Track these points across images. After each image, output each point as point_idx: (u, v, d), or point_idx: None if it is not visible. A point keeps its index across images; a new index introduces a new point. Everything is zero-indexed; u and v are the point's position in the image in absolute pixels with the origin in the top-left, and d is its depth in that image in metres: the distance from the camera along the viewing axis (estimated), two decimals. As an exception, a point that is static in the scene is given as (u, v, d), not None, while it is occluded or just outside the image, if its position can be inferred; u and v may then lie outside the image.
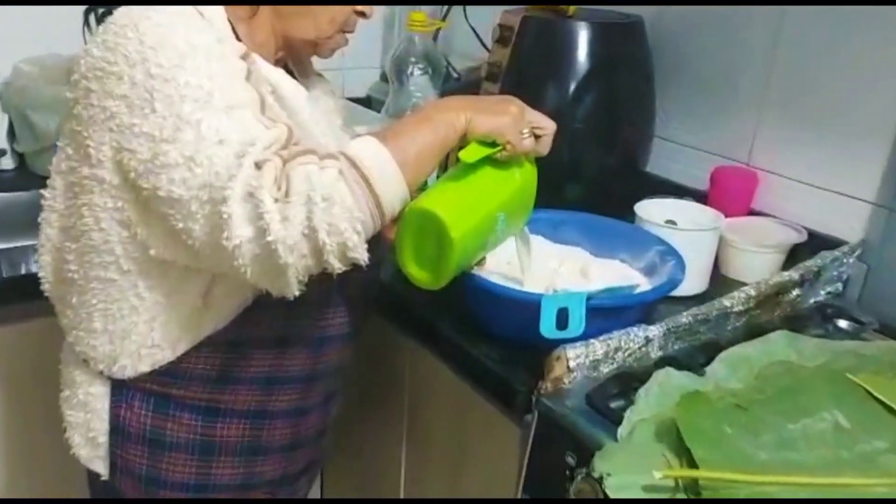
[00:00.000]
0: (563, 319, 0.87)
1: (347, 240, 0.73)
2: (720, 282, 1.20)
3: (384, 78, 1.90)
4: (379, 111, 1.74)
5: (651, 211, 1.16)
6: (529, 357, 0.95)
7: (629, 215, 1.18)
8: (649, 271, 1.08)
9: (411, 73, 1.64)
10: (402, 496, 1.28)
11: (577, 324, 0.87)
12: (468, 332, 1.03)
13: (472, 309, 1.04)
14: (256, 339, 0.92)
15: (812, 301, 1.15)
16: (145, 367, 0.89)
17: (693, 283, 1.10)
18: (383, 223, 0.79)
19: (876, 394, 0.82)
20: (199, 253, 0.77)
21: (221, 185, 0.72)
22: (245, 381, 0.94)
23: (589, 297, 0.90)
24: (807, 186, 1.25)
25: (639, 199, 1.32)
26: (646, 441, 0.78)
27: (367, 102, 1.93)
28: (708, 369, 0.91)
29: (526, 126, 0.89)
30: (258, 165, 0.72)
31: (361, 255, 0.75)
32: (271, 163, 0.72)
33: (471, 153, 0.85)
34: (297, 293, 0.75)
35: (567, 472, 0.86)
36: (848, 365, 0.90)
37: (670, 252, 1.06)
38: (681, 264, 1.02)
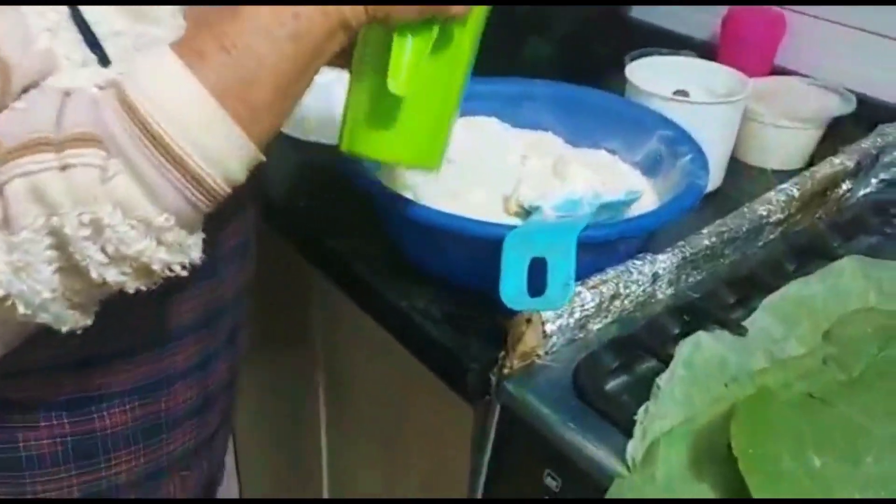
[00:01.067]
0: (538, 277, 0.55)
1: (148, 263, 0.44)
2: (736, 170, 0.88)
3: None
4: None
5: (648, 75, 0.82)
6: (487, 314, 0.64)
7: (616, 82, 0.84)
8: (651, 168, 0.76)
9: None
10: (325, 479, 1.00)
11: (560, 287, 0.54)
12: (397, 273, 0.70)
13: (399, 243, 0.71)
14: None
15: (862, 194, 0.84)
16: None
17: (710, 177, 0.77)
18: (215, 202, 0.45)
19: None
20: None
21: None
22: (123, 350, 0.63)
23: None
24: (852, 31, 0.91)
25: (621, 58, 0.97)
26: (679, 476, 0.48)
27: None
28: (750, 323, 0.61)
29: None
30: None
31: (183, 259, 0.45)
32: None
33: (401, 69, 0.49)
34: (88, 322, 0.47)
35: (546, 498, 0.57)
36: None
37: (682, 139, 0.73)
38: (700, 160, 0.70)
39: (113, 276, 0.43)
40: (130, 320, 0.63)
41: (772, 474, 0.44)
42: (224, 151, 0.43)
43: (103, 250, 0.42)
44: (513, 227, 0.60)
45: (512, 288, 0.55)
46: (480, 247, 0.60)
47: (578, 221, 0.60)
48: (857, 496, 0.44)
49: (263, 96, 0.45)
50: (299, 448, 1.05)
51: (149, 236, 0.42)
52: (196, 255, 0.46)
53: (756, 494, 0.43)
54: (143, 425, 0.67)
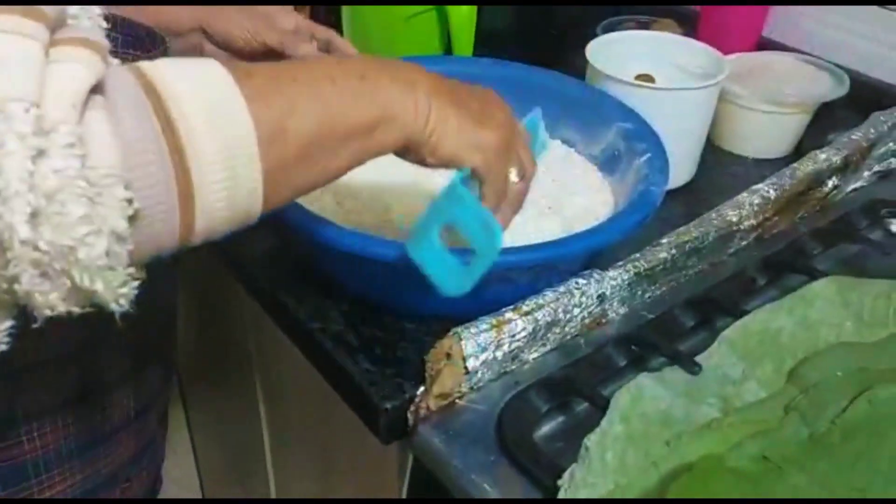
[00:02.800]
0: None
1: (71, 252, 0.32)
2: (712, 158, 0.79)
3: None
4: None
5: (610, 55, 0.72)
6: (409, 340, 0.57)
7: (575, 60, 0.74)
8: (608, 165, 0.67)
9: None
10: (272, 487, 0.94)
11: (482, 233, 0.45)
12: (313, 287, 0.62)
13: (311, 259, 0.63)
14: (43, 356, 0.55)
15: (850, 189, 0.75)
16: None
17: (677, 171, 0.68)
18: (186, 244, 0.36)
19: None
20: None
21: None
22: (49, 363, 0.56)
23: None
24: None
25: (592, 22, 0.88)
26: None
27: None
28: (705, 358, 0.53)
29: (515, 160, 0.48)
30: None
31: (114, 298, 0.33)
32: None
33: None
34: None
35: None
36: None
37: (641, 133, 0.64)
38: (660, 160, 0.61)
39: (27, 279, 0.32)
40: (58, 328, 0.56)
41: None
42: (234, 181, 0.35)
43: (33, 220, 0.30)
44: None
45: (444, 276, 0.47)
46: (393, 267, 0.52)
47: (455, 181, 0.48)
48: None
49: (296, 143, 0.38)
50: (249, 458, 0.99)
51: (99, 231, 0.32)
52: (122, 304, 0.34)
53: None
54: (80, 440, 0.60)
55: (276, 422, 0.87)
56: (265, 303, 0.65)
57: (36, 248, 0.30)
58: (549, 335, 0.56)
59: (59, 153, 0.30)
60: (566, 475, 0.45)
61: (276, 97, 0.37)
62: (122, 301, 0.33)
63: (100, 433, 0.62)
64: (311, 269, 0.62)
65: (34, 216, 0.30)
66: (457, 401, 0.53)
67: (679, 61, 0.76)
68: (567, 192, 0.66)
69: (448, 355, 0.52)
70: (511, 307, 0.54)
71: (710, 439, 0.46)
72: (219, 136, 0.34)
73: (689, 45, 0.76)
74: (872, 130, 0.72)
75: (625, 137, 0.65)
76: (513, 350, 0.54)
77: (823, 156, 0.69)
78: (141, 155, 0.32)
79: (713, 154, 0.80)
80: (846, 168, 0.71)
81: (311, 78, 0.40)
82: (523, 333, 0.54)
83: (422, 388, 0.54)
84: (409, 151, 0.45)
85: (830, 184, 0.71)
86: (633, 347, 0.56)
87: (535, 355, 0.56)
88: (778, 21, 0.86)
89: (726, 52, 0.75)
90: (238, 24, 0.66)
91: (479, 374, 0.53)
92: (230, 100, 0.35)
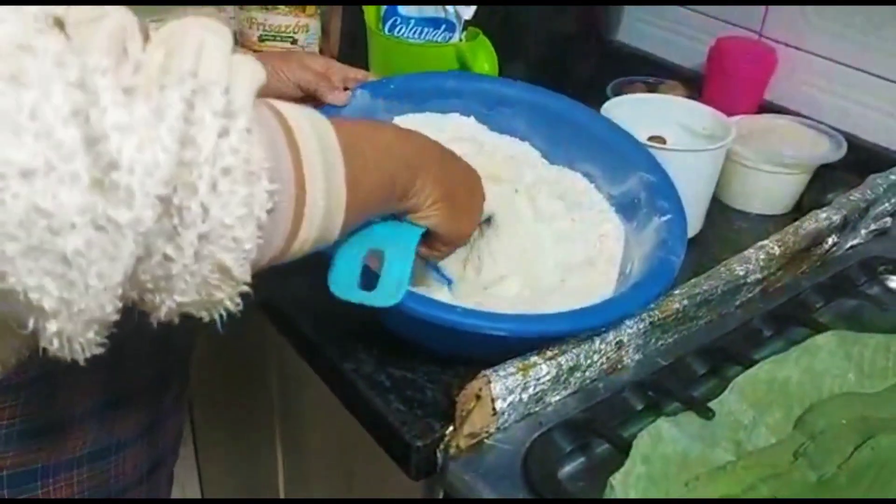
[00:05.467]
0: (370, 273, 0.50)
1: (236, 246, 0.36)
2: (717, 213, 0.84)
3: None
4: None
5: (622, 115, 0.76)
6: (439, 382, 0.60)
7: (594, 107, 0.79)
8: (627, 210, 0.69)
9: None
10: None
11: (393, 284, 0.49)
12: (346, 329, 0.65)
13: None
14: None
15: (849, 246, 0.80)
16: None
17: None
18: (277, 260, 0.41)
19: None
20: None
21: None
22: (75, 419, 0.59)
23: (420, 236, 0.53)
24: (846, 69, 0.86)
25: (603, 83, 0.93)
26: None
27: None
28: (719, 405, 0.56)
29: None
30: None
31: (232, 301, 0.38)
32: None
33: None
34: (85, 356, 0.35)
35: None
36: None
37: (664, 191, 0.67)
38: (680, 225, 0.64)
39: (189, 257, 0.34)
40: (83, 382, 0.58)
41: None
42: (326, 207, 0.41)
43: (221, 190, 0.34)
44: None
45: (341, 276, 0.49)
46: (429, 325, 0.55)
47: (419, 227, 0.53)
48: None
49: (363, 193, 0.44)
50: (260, 491, 1.01)
51: (243, 219, 0.35)
52: (233, 307, 0.38)
53: None
54: (93, 492, 0.62)
55: (291, 457, 0.89)
56: (297, 343, 0.68)
57: (204, 220, 0.33)
58: (570, 379, 0.59)
59: (238, 136, 0.34)
60: (592, 514, 0.48)
61: (358, 156, 0.42)
62: (230, 306, 0.37)
63: (112, 488, 0.64)
64: (342, 311, 0.66)
65: (212, 188, 0.33)
66: (485, 440, 0.56)
67: (686, 122, 0.81)
68: (583, 227, 0.70)
69: (478, 397, 0.55)
70: (536, 352, 0.58)
71: (725, 481, 0.50)
72: (323, 170, 0.39)
73: (696, 107, 0.81)
74: (869, 192, 0.77)
75: (647, 189, 0.68)
76: (537, 392, 0.57)
77: (824, 215, 0.74)
78: (274, 160, 0.37)
79: (719, 209, 0.84)
80: (845, 227, 0.76)
81: (379, 144, 0.45)
82: (547, 377, 0.57)
83: (451, 428, 0.57)
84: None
85: (830, 241, 0.76)
86: (649, 393, 0.60)
87: (557, 398, 0.59)
88: (780, 86, 0.92)
89: (730, 115, 0.80)
90: (273, 64, 0.70)
91: (506, 415, 0.56)
92: (335, 148, 0.41)
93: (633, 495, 0.48)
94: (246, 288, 0.37)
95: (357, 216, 0.45)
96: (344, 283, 0.49)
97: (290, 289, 0.69)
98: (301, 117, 0.40)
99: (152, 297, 0.36)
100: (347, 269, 0.49)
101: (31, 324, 0.32)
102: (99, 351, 0.35)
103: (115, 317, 0.34)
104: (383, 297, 0.49)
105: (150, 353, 0.63)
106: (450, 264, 0.65)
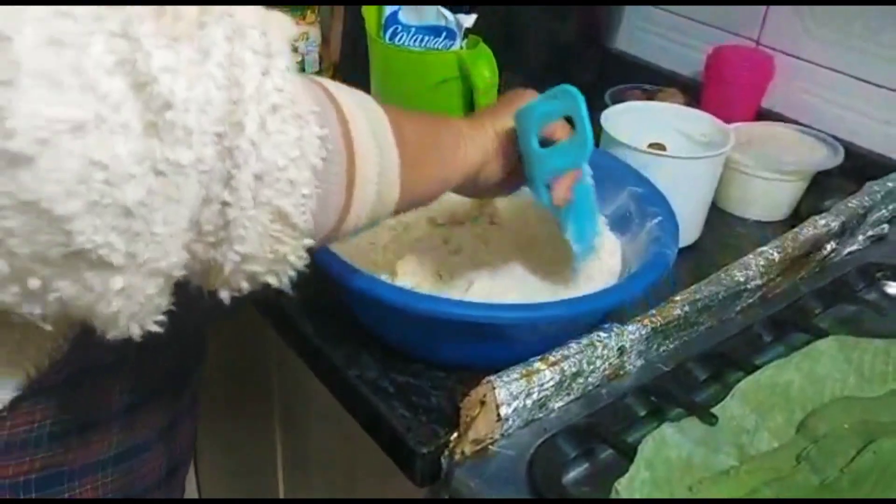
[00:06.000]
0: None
1: (292, 190, 0.36)
2: (716, 220, 0.84)
3: None
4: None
5: (622, 123, 0.77)
6: (442, 388, 0.60)
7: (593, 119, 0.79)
8: (621, 223, 0.71)
9: None
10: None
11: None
12: (349, 336, 0.65)
13: (352, 309, 0.67)
14: (107, 359, 0.56)
15: (847, 252, 0.80)
16: None
17: (686, 232, 0.73)
18: (334, 233, 0.42)
19: None
20: None
21: None
22: (98, 421, 0.58)
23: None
24: (842, 77, 0.87)
25: (602, 89, 0.93)
26: None
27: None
28: (721, 410, 0.57)
29: None
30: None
31: (297, 256, 0.38)
32: None
33: None
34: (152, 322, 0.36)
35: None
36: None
37: (652, 197, 0.68)
38: (671, 224, 0.65)
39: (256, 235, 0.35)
40: (109, 383, 0.58)
41: None
42: (381, 194, 0.43)
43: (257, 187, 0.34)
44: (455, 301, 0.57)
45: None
46: (434, 323, 0.56)
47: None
48: None
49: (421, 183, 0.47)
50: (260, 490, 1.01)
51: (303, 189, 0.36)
52: (285, 283, 0.39)
53: None
54: (116, 494, 0.62)
55: (292, 463, 0.90)
56: (300, 348, 0.68)
57: (257, 159, 0.34)
58: (573, 385, 0.60)
59: (280, 75, 0.34)
60: (598, 518, 0.48)
61: (418, 168, 0.46)
62: (296, 262, 0.38)
63: (135, 488, 0.64)
64: (345, 317, 0.66)
65: (261, 126, 0.33)
66: (489, 446, 0.56)
67: (685, 130, 0.81)
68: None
69: (482, 403, 0.55)
70: (538, 358, 0.58)
71: (728, 485, 0.50)
72: (370, 129, 0.41)
73: (695, 115, 0.81)
74: (867, 198, 0.77)
75: (636, 200, 0.69)
76: (541, 399, 0.58)
77: (823, 221, 0.74)
78: (320, 107, 0.37)
79: (718, 216, 0.85)
80: (843, 233, 0.76)
81: (444, 145, 0.51)
82: (551, 383, 0.58)
83: (455, 434, 0.57)
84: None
85: (829, 247, 0.76)
86: (651, 398, 0.60)
87: (560, 403, 0.60)
88: (777, 94, 0.92)
89: (728, 122, 0.80)
90: None
91: (511, 422, 0.57)
92: (390, 148, 0.43)
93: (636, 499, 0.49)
94: (311, 242, 0.38)
95: (418, 187, 0.47)
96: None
97: (292, 296, 0.69)
98: (347, 94, 0.41)
99: (215, 254, 0.36)
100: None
101: (97, 288, 0.33)
102: (155, 329, 0.35)
103: (180, 272, 0.35)
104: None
105: (170, 353, 0.63)
106: (456, 278, 0.66)
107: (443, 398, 0.60)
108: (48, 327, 0.35)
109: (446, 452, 0.57)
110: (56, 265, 0.32)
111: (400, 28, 0.84)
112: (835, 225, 0.75)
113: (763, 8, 0.91)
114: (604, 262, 0.69)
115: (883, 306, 0.74)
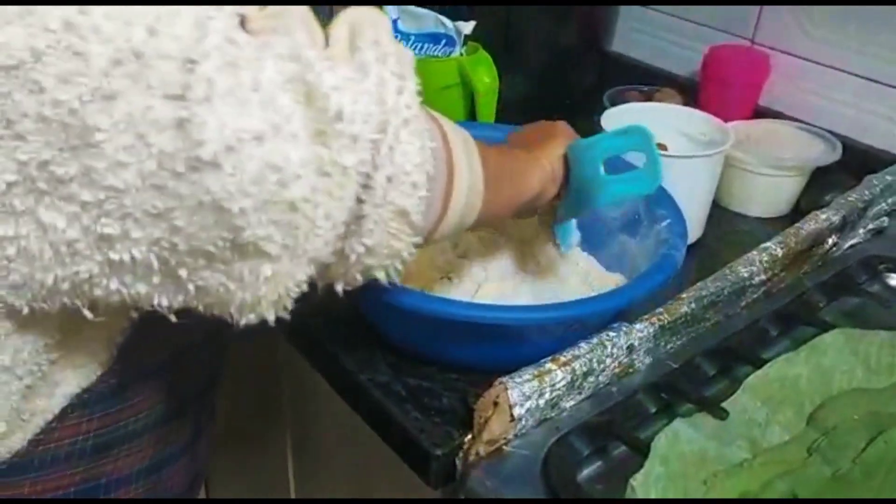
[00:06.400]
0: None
1: (413, 192, 0.42)
2: (718, 217, 0.85)
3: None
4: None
5: (624, 121, 0.77)
6: (454, 390, 0.60)
7: (586, 126, 0.80)
8: (631, 227, 0.72)
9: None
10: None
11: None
12: (361, 340, 0.66)
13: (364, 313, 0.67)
14: (149, 367, 0.58)
15: (848, 245, 0.81)
16: None
17: (689, 229, 0.73)
18: (432, 227, 0.48)
19: None
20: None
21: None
22: (136, 432, 0.60)
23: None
24: (838, 74, 0.88)
25: (600, 91, 0.94)
26: None
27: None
28: (731, 405, 0.57)
29: None
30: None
31: (407, 250, 0.45)
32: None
33: None
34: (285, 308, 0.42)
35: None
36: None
37: (661, 200, 0.69)
38: (679, 226, 0.66)
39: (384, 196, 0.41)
40: (148, 394, 0.59)
41: None
42: (468, 204, 0.49)
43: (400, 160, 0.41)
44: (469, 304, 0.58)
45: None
46: (447, 325, 0.56)
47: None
48: None
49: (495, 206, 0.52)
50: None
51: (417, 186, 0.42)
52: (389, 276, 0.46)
53: None
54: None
55: (303, 468, 0.90)
56: (312, 354, 0.69)
57: (392, 162, 0.40)
58: (584, 384, 0.60)
59: (410, 95, 0.41)
60: (615, 515, 0.49)
61: (495, 190, 0.51)
62: (406, 257, 0.44)
63: (161, 497, 0.65)
64: (357, 323, 0.67)
65: (396, 136, 0.40)
66: (503, 447, 0.57)
67: (684, 129, 0.82)
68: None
69: (495, 404, 0.56)
70: (549, 358, 0.59)
71: (743, 478, 0.51)
72: (465, 151, 0.48)
73: (694, 114, 0.82)
74: (867, 192, 0.78)
75: (645, 203, 0.70)
76: (553, 398, 0.58)
77: (824, 216, 0.75)
78: (430, 124, 0.44)
79: (719, 213, 0.85)
80: (844, 227, 0.77)
81: (515, 171, 0.57)
82: (563, 382, 0.58)
83: (469, 436, 0.58)
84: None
85: (830, 241, 0.77)
86: (662, 395, 0.61)
87: (572, 402, 0.60)
88: (774, 91, 0.94)
89: (726, 120, 0.81)
90: None
91: (524, 422, 0.57)
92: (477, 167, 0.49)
93: (653, 495, 0.49)
94: (420, 240, 0.44)
95: (493, 207, 0.52)
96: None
97: (302, 298, 0.70)
98: (455, 133, 0.49)
99: (343, 245, 0.42)
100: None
101: (246, 277, 0.38)
102: (284, 315, 0.41)
103: (331, 259, 0.42)
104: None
105: (201, 363, 0.64)
106: (465, 281, 0.67)
107: (455, 399, 0.60)
108: (172, 318, 0.40)
109: (460, 454, 0.57)
110: (211, 259, 0.38)
111: (400, 37, 0.85)
112: (836, 219, 0.76)
113: (757, 7, 0.92)
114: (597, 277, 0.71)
115: (886, 298, 0.75)
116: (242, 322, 0.41)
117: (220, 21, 0.36)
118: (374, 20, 0.43)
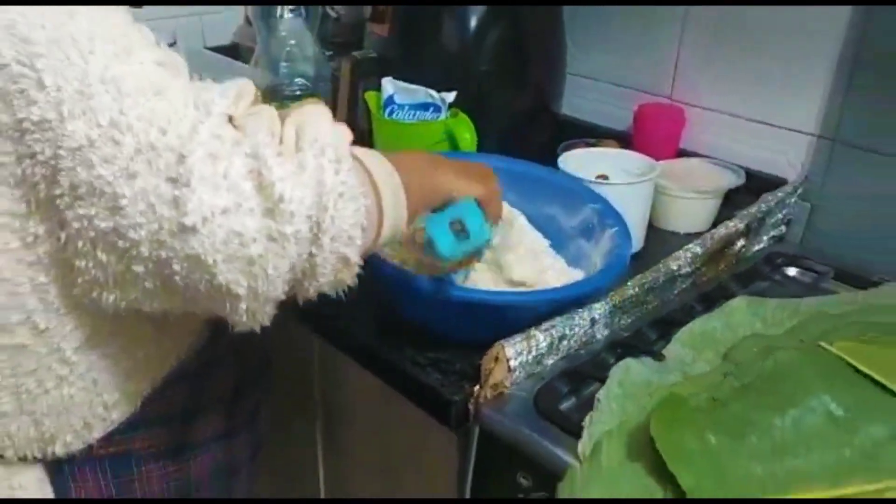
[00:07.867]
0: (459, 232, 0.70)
1: (351, 242, 0.56)
2: (653, 234, 1.07)
3: (248, 22, 1.65)
4: (247, 62, 1.50)
5: (577, 163, 1.01)
6: (464, 358, 0.80)
7: (547, 165, 1.03)
8: (585, 232, 0.93)
9: (281, 16, 1.41)
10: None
11: (477, 229, 0.70)
12: (388, 330, 0.86)
13: (387, 301, 0.87)
14: (220, 350, 0.78)
15: (756, 249, 1.04)
16: (98, 434, 0.68)
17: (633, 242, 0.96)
18: (371, 246, 0.62)
19: (860, 366, 0.71)
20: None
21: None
22: (214, 400, 0.79)
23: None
24: (737, 119, 1.13)
25: (555, 144, 1.18)
26: (618, 463, 0.64)
27: (233, 51, 1.68)
28: (667, 352, 0.78)
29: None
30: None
31: (351, 278, 0.59)
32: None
33: None
34: (266, 323, 0.57)
35: (521, 496, 0.72)
36: (820, 330, 0.79)
37: (608, 213, 0.91)
38: (624, 232, 0.88)
39: (329, 238, 0.54)
40: (209, 416, 0.78)
41: (680, 451, 0.61)
42: (397, 207, 0.62)
43: (337, 206, 0.54)
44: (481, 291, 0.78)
45: (445, 243, 0.68)
46: (461, 308, 0.77)
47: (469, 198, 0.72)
48: (741, 464, 0.61)
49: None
50: (298, 479, 1.17)
51: (355, 217, 0.56)
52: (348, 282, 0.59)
53: (671, 467, 0.60)
54: (223, 465, 0.81)
55: (332, 437, 1.07)
56: (345, 345, 0.88)
57: (333, 226, 0.54)
58: (560, 346, 0.81)
59: (345, 174, 0.54)
60: (587, 418, 0.69)
61: (411, 172, 0.64)
62: (349, 282, 0.58)
63: (235, 464, 0.83)
64: (384, 317, 0.87)
65: (335, 207, 0.54)
66: (504, 391, 0.77)
67: (623, 166, 1.05)
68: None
69: (496, 358, 0.76)
70: (534, 328, 0.79)
71: (677, 390, 0.71)
72: (391, 190, 0.61)
73: (630, 154, 1.06)
74: (763, 206, 1.02)
75: (596, 214, 0.92)
76: (537, 356, 0.79)
77: (732, 223, 0.98)
78: (363, 187, 0.57)
79: (655, 233, 1.08)
80: (748, 232, 1.00)
81: (427, 169, 0.68)
82: (544, 344, 0.79)
83: (477, 386, 0.77)
84: None
85: (739, 244, 1.00)
86: (618, 350, 0.81)
87: (551, 361, 0.81)
88: (690, 136, 1.18)
89: (656, 159, 1.05)
90: None
91: (518, 372, 0.77)
92: (396, 177, 0.62)
93: (613, 406, 0.69)
94: (359, 269, 0.59)
95: (413, 213, 0.65)
96: (449, 249, 0.68)
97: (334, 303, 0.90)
98: (374, 160, 0.62)
99: (302, 281, 0.57)
100: (446, 241, 0.68)
101: (227, 308, 0.54)
102: (266, 323, 0.57)
103: (284, 297, 0.56)
104: (477, 238, 0.70)
105: (257, 346, 0.82)
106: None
107: (466, 364, 0.80)
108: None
109: (472, 400, 0.77)
110: (199, 292, 0.53)
111: (396, 107, 1.08)
112: (741, 225, 0.99)
113: (672, 70, 1.18)
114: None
115: (784, 283, 0.97)
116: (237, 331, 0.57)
117: (212, 120, 0.52)
118: (315, 119, 0.55)
